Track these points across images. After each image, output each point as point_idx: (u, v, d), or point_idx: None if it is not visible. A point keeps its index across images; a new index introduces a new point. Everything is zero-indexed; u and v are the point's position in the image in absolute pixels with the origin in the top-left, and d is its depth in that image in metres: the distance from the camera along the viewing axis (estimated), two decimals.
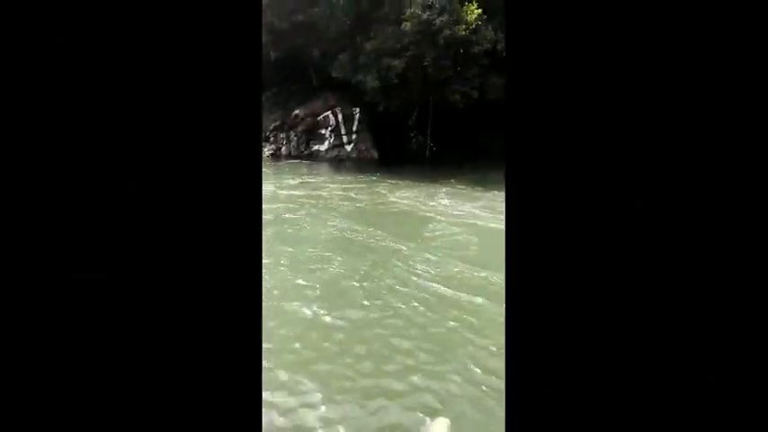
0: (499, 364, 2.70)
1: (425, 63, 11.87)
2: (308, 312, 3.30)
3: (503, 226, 6.55)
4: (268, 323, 2.99)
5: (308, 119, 15.33)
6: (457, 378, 2.57)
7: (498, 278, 4.13)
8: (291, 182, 9.85)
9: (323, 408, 2.22)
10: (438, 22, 11.24)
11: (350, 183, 10.12)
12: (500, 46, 11.47)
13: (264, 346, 2.51)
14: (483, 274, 4.25)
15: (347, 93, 14.49)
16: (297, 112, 15.57)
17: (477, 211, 7.29)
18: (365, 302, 3.54)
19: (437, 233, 5.93)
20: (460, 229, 6.15)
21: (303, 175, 11.20)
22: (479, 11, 11.28)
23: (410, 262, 4.57)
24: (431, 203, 7.85)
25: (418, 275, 4.19)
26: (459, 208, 7.51)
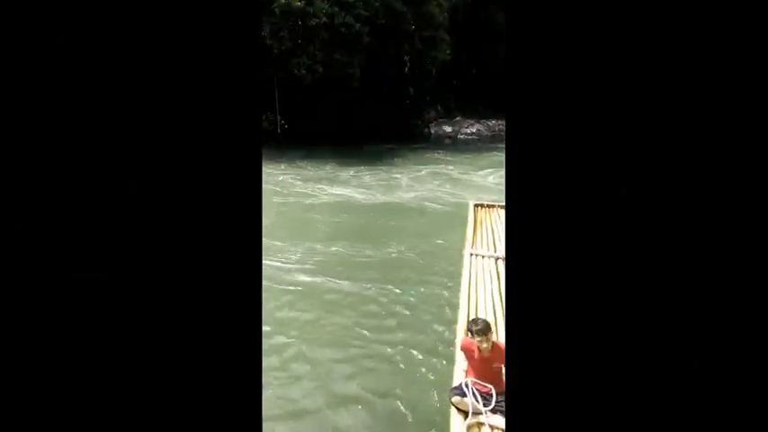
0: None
1: (263, 33, 11.09)
2: None
3: (358, 201, 6.80)
4: None
5: None
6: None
7: (343, 250, 4.30)
8: None
9: None
10: None
11: None
12: (337, 21, 11.50)
13: None
14: (333, 249, 4.37)
15: None
16: None
17: (326, 188, 7.38)
18: None
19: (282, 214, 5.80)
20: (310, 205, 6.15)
21: None
22: None
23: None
24: (278, 185, 7.59)
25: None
26: (310, 187, 7.48)
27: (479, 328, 1.81)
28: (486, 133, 14.28)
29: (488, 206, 4.79)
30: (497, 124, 14.69)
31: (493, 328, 2.36)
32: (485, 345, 1.80)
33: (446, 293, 3.26)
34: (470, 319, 1.96)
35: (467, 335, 1.93)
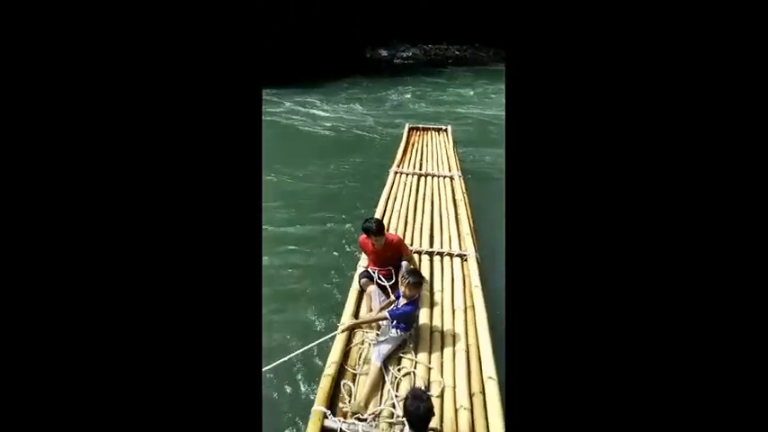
0: None
1: None
2: None
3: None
4: None
5: None
6: None
7: None
8: None
9: None
10: None
11: None
12: None
13: None
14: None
15: None
16: None
17: None
18: None
19: None
20: None
21: None
22: None
23: None
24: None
25: None
26: None
27: (373, 229, 2.04)
28: (423, 58, 13.92)
29: (423, 129, 4.87)
30: (433, 49, 14.39)
31: (400, 227, 2.72)
32: (377, 243, 2.06)
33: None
34: (366, 219, 2.15)
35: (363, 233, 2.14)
